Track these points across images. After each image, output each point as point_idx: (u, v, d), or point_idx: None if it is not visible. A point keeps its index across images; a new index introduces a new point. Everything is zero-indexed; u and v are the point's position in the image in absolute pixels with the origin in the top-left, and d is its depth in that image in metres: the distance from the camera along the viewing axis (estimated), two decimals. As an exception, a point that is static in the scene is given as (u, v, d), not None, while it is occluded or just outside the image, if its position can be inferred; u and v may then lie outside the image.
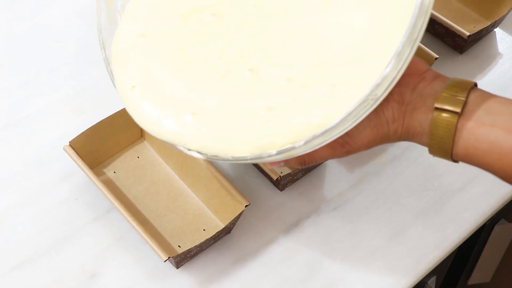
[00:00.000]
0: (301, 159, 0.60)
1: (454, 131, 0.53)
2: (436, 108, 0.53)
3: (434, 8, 0.88)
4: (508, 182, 0.54)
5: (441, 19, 0.86)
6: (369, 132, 0.56)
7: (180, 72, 0.61)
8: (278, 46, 0.60)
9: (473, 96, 0.53)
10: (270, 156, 0.55)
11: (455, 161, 0.55)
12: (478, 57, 0.89)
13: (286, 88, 0.58)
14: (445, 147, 0.54)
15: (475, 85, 0.54)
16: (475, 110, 0.52)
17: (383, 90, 0.51)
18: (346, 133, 0.55)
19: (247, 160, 0.56)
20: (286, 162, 0.60)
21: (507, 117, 0.52)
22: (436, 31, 0.88)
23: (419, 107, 0.54)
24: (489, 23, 0.88)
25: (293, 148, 0.54)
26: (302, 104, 0.56)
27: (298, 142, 0.54)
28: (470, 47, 0.89)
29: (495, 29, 0.91)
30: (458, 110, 0.52)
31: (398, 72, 0.51)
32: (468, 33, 0.85)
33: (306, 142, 0.53)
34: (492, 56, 0.89)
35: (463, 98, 0.53)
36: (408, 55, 0.51)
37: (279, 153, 0.55)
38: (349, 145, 0.57)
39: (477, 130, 0.52)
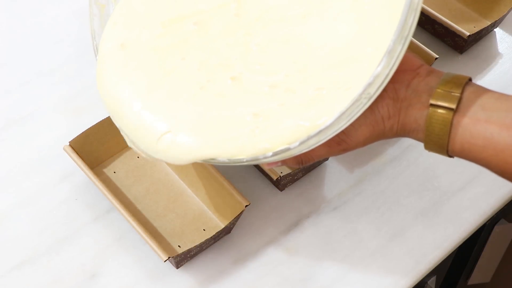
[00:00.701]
0: (298, 158, 0.60)
1: (449, 128, 0.53)
2: (431, 105, 0.53)
3: (434, 8, 0.89)
4: (504, 177, 0.55)
5: (441, 19, 0.86)
6: (365, 129, 0.56)
7: (157, 86, 0.61)
8: (260, 53, 0.60)
9: (468, 91, 0.53)
10: (266, 157, 0.55)
11: (451, 156, 0.55)
12: (478, 57, 0.89)
13: (270, 94, 0.58)
14: (441, 143, 0.54)
15: (470, 79, 0.54)
16: (470, 106, 0.52)
17: (376, 88, 0.51)
18: (342, 131, 0.55)
19: (243, 162, 0.56)
20: (284, 162, 0.60)
21: (502, 113, 0.52)
22: (436, 31, 0.88)
23: (414, 104, 0.54)
24: (489, 23, 0.88)
25: (288, 149, 0.54)
26: (290, 108, 0.56)
27: (293, 143, 0.54)
28: (470, 47, 0.89)
29: (495, 29, 0.91)
30: (453, 106, 0.52)
31: (390, 69, 0.51)
32: (468, 33, 0.85)
33: (301, 143, 0.54)
34: (492, 56, 0.89)
35: (458, 94, 0.53)
36: (399, 53, 0.51)
37: (275, 154, 0.55)
38: (345, 143, 0.57)
39: (473, 126, 0.52)
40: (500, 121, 0.51)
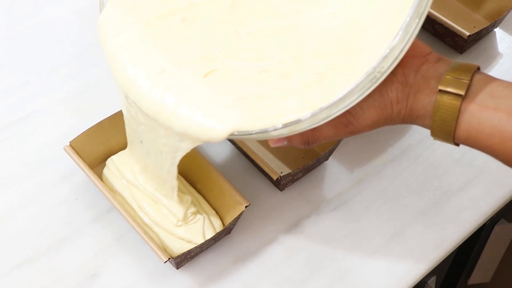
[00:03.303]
0: (305, 138, 0.59)
1: (457, 114, 0.53)
2: (440, 91, 0.53)
3: (434, 8, 0.89)
4: (509, 165, 0.54)
5: (441, 19, 0.86)
6: (373, 112, 0.56)
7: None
8: (251, 41, 0.60)
9: (476, 79, 0.53)
10: (275, 129, 0.55)
11: (457, 144, 0.55)
12: (478, 57, 0.89)
13: (260, 79, 0.58)
14: (448, 130, 0.54)
15: (478, 68, 0.55)
16: (479, 93, 0.53)
17: (390, 62, 0.52)
18: (350, 113, 0.56)
19: (252, 134, 0.56)
20: (290, 141, 0.59)
21: (510, 100, 0.52)
22: (436, 31, 0.88)
23: (422, 89, 0.54)
24: (489, 23, 0.88)
25: (299, 121, 0.54)
26: (288, 91, 0.56)
27: (304, 115, 0.54)
28: (470, 47, 0.89)
29: (495, 29, 0.91)
30: (461, 92, 0.52)
31: (405, 45, 0.51)
32: (468, 33, 0.85)
33: (313, 115, 0.54)
34: (492, 56, 0.89)
35: (467, 81, 0.53)
36: (414, 29, 0.51)
37: (285, 126, 0.55)
38: (352, 125, 0.57)
39: (480, 113, 0.52)
40: (508, 108, 0.52)
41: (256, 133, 0.56)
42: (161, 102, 0.59)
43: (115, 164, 0.73)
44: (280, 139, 0.59)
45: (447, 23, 0.86)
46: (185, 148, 0.61)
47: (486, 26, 0.87)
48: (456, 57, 0.89)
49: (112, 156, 0.74)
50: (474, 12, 0.91)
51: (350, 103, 0.53)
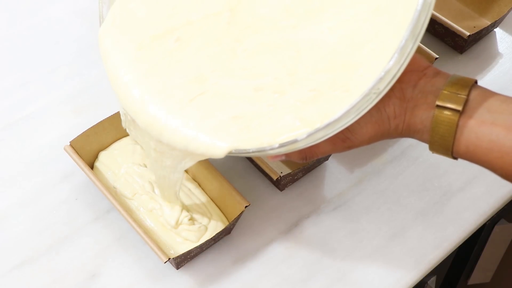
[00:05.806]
0: (303, 153, 0.59)
1: (455, 129, 0.53)
2: (438, 106, 0.53)
3: (434, 8, 0.88)
4: (508, 180, 0.55)
5: (441, 19, 0.86)
6: (370, 128, 0.56)
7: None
8: (246, 58, 0.60)
9: (474, 94, 0.53)
10: (272, 149, 0.55)
11: (455, 158, 0.56)
12: (478, 57, 0.89)
13: (254, 97, 0.58)
14: (446, 145, 0.54)
15: (475, 82, 0.55)
16: (476, 108, 0.53)
17: (386, 83, 0.52)
18: (348, 129, 0.55)
19: (249, 152, 0.56)
20: (288, 156, 0.60)
21: (508, 115, 0.52)
22: (436, 31, 0.88)
23: (420, 104, 0.54)
24: (489, 23, 0.88)
25: (295, 141, 0.54)
26: (283, 109, 0.56)
27: (300, 135, 0.54)
28: (470, 47, 0.89)
29: (495, 29, 0.91)
30: (459, 108, 0.53)
31: (401, 66, 0.51)
32: (468, 33, 0.85)
33: (309, 135, 0.53)
34: (492, 56, 0.89)
35: (465, 96, 0.53)
36: (410, 50, 0.51)
37: (281, 146, 0.55)
38: (350, 140, 0.57)
39: (478, 128, 0.52)
40: (505, 123, 0.52)
41: (253, 151, 0.56)
42: (153, 126, 0.59)
43: (103, 162, 0.74)
44: (278, 155, 0.59)
45: (447, 23, 0.86)
46: (185, 165, 0.62)
47: (486, 26, 0.87)
48: (456, 57, 0.89)
49: (101, 152, 0.74)
50: (474, 12, 0.91)
51: (346, 123, 0.53)
